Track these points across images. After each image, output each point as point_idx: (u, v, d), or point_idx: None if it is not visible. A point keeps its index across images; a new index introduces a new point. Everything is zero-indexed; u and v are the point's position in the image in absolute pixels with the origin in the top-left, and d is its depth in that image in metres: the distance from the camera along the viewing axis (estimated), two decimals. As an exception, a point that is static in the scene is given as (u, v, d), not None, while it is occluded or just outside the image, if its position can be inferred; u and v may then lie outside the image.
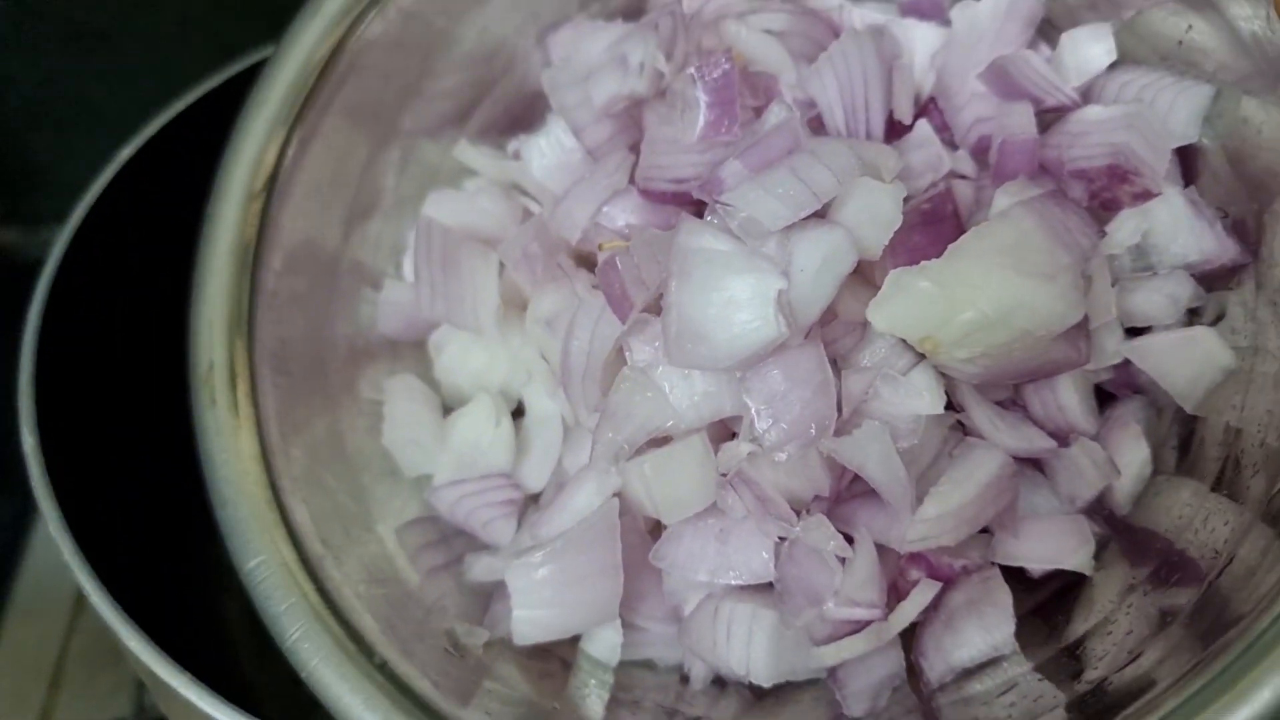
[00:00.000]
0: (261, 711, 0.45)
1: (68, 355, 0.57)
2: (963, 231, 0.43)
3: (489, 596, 0.51)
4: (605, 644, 0.50)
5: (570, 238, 0.52)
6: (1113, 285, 0.46)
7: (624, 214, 0.52)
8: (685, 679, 0.50)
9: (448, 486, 0.53)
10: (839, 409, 0.43)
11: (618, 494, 0.48)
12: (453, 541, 0.53)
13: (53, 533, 0.48)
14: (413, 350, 0.57)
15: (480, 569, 0.51)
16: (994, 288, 0.41)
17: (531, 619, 0.46)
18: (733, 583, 0.46)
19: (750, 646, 0.46)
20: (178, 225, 0.55)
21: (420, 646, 0.45)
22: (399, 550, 0.51)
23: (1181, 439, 0.48)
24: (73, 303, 0.58)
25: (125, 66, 0.92)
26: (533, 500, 0.54)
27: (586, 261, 0.53)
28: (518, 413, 0.55)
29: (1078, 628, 0.46)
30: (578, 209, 0.52)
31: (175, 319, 0.59)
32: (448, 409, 0.56)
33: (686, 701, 0.49)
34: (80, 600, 0.73)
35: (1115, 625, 0.44)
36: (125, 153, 0.64)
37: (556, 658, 0.49)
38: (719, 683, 0.50)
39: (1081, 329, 0.43)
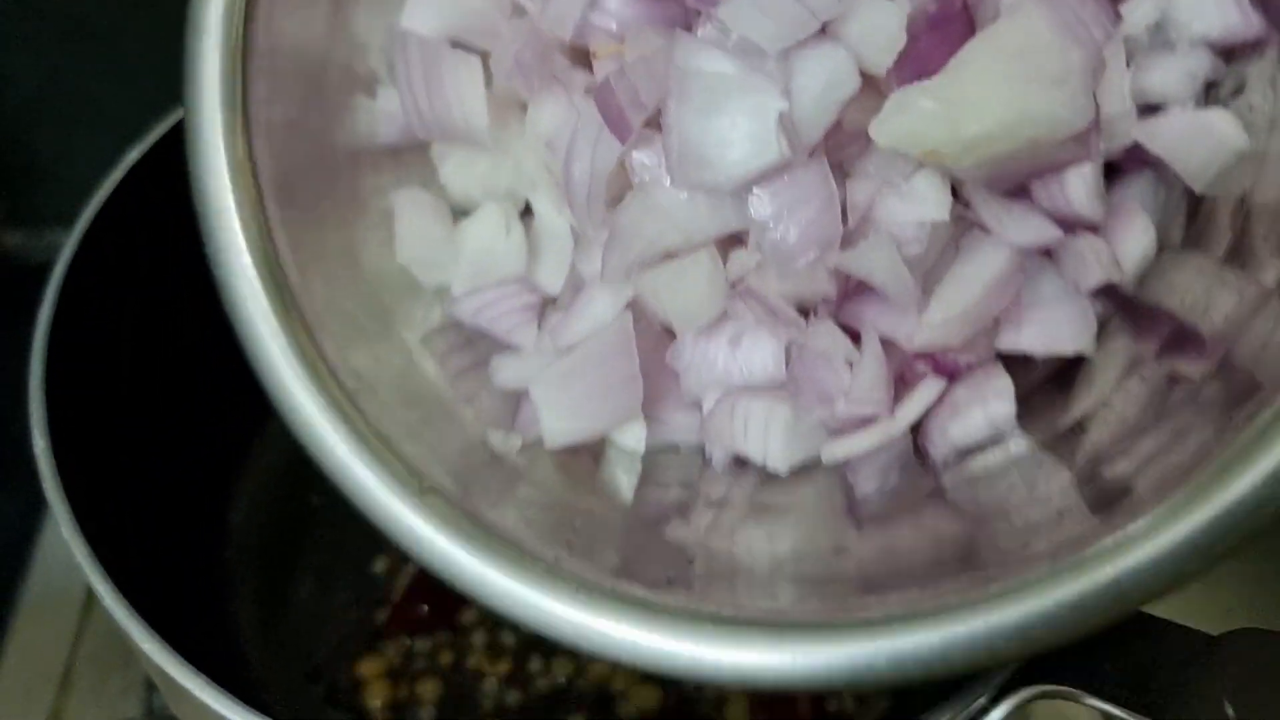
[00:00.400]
0: (272, 713, 0.46)
1: (78, 357, 0.57)
2: (973, 30, 0.42)
3: (517, 401, 0.54)
4: (632, 436, 0.53)
5: (563, 34, 0.50)
6: (1128, 66, 0.44)
7: (617, 8, 0.49)
8: (708, 461, 0.54)
9: (467, 297, 0.54)
10: (844, 220, 0.44)
11: (631, 304, 0.49)
12: (478, 344, 0.55)
13: (65, 534, 0.47)
14: (417, 155, 0.56)
15: (507, 374, 0.54)
16: (999, 101, 0.39)
17: (560, 427, 0.50)
18: (746, 384, 0.49)
19: (767, 439, 0.49)
20: (188, 226, 0.53)
21: (460, 463, 0.48)
22: (426, 357, 0.53)
23: (1189, 212, 0.48)
24: (83, 304, 0.58)
25: (127, 65, 0.88)
26: (552, 302, 0.55)
27: (583, 58, 0.52)
28: (527, 211, 0.56)
29: (1082, 403, 0.48)
30: (568, 3, 0.50)
31: (185, 319, 0.61)
32: (461, 214, 0.56)
33: (708, 481, 0.53)
34: (89, 603, 0.75)
35: (1121, 401, 0.46)
36: (133, 154, 0.62)
37: (587, 453, 0.53)
38: (739, 461, 0.54)
39: (1092, 126, 0.42)
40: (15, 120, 0.94)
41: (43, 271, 1.03)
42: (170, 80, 0.89)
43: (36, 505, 0.80)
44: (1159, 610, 0.46)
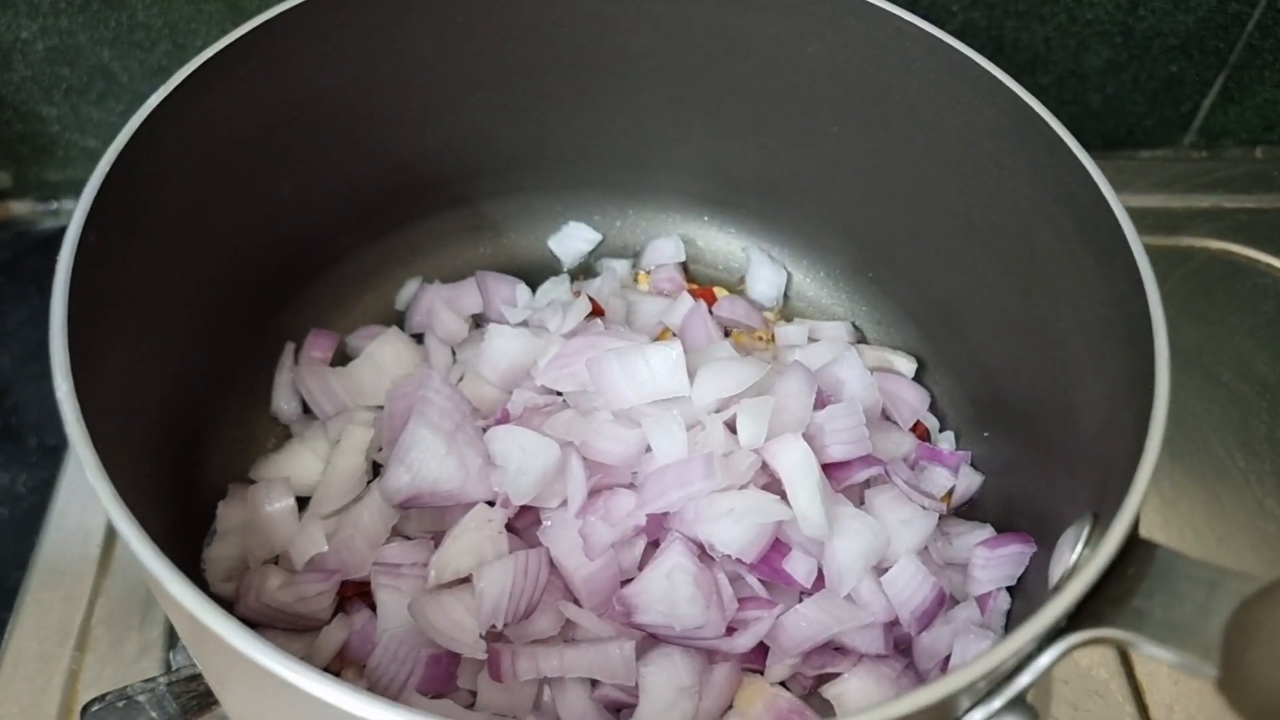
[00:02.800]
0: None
1: (98, 310, 0.56)
2: None
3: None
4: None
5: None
6: None
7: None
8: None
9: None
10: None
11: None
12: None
13: (90, 479, 0.46)
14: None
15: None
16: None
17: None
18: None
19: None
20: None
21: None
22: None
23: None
24: (102, 254, 0.57)
25: (137, 36, 0.90)
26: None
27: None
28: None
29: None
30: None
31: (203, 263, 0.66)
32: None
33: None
34: (103, 567, 0.76)
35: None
36: (151, 101, 0.61)
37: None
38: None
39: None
40: (25, 89, 0.95)
41: (50, 239, 1.02)
42: (179, 51, 0.89)
43: (50, 474, 0.82)
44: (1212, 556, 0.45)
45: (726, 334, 0.83)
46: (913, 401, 0.77)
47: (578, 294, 0.82)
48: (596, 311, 0.80)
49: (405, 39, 0.74)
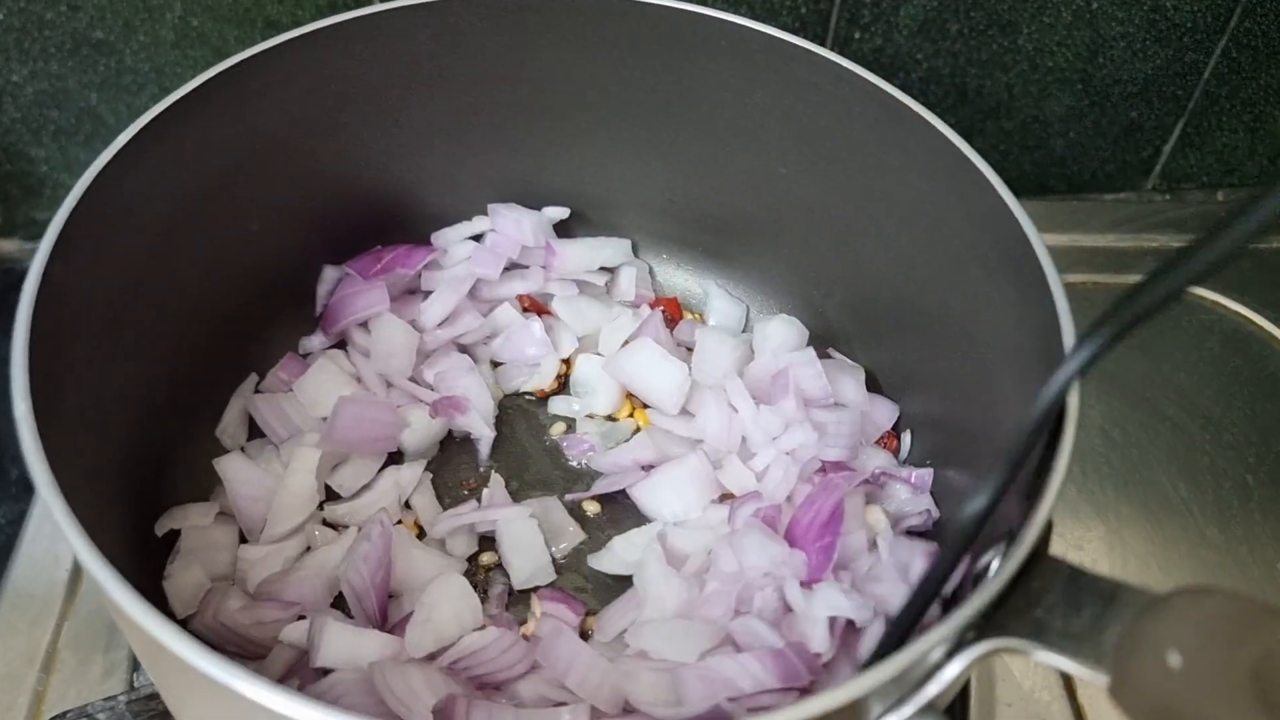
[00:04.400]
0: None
1: (62, 337, 0.58)
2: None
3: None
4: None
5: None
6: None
7: None
8: None
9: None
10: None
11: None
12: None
13: (45, 498, 0.47)
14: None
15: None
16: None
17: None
18: None
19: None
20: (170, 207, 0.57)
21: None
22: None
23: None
24: (67, 285, 0.59)
25: (125, 79, 0.93)
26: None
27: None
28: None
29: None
30: None
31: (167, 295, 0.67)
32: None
33: None
34: (71, 591, 0.77)
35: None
36: (122, 139, 0.64)
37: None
38: None
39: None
40: (14, 131, 0.97)
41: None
42: (166, 95, 0.90)
43: (28, 506, 0.83)
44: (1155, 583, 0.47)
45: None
46: (879, 419, 0.80)
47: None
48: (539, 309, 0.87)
49: (373, 83, 0.77)
